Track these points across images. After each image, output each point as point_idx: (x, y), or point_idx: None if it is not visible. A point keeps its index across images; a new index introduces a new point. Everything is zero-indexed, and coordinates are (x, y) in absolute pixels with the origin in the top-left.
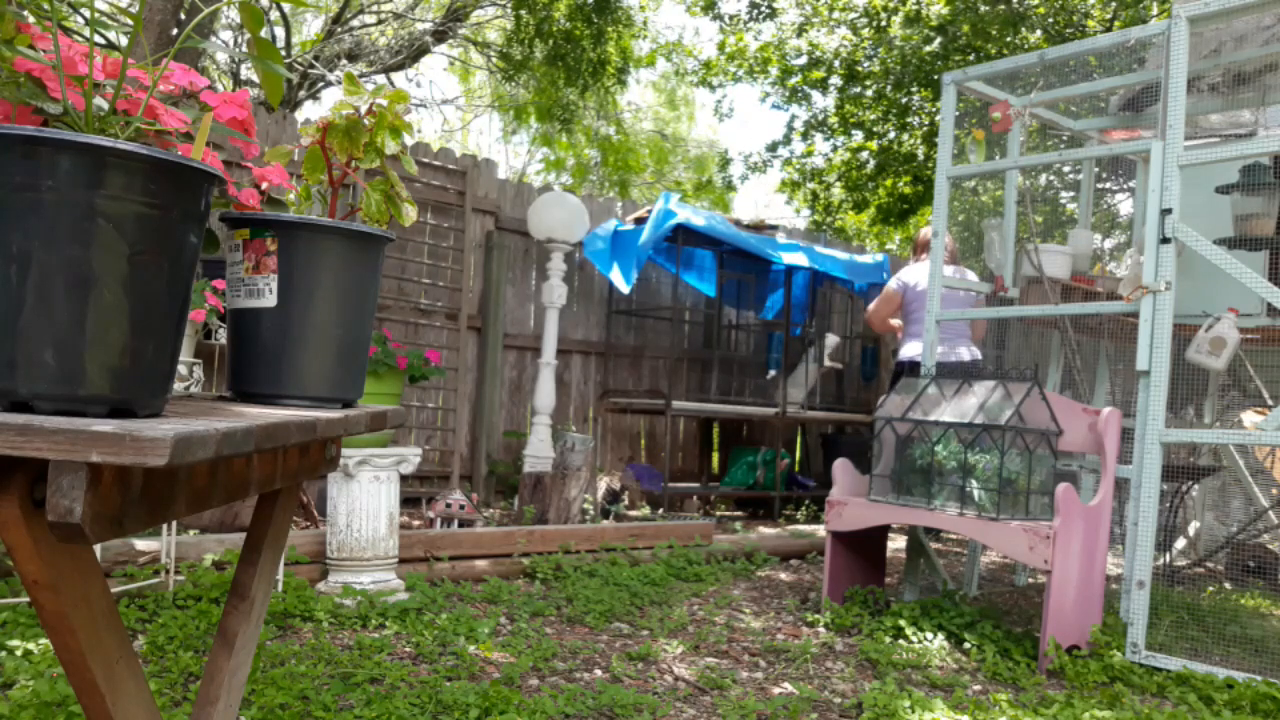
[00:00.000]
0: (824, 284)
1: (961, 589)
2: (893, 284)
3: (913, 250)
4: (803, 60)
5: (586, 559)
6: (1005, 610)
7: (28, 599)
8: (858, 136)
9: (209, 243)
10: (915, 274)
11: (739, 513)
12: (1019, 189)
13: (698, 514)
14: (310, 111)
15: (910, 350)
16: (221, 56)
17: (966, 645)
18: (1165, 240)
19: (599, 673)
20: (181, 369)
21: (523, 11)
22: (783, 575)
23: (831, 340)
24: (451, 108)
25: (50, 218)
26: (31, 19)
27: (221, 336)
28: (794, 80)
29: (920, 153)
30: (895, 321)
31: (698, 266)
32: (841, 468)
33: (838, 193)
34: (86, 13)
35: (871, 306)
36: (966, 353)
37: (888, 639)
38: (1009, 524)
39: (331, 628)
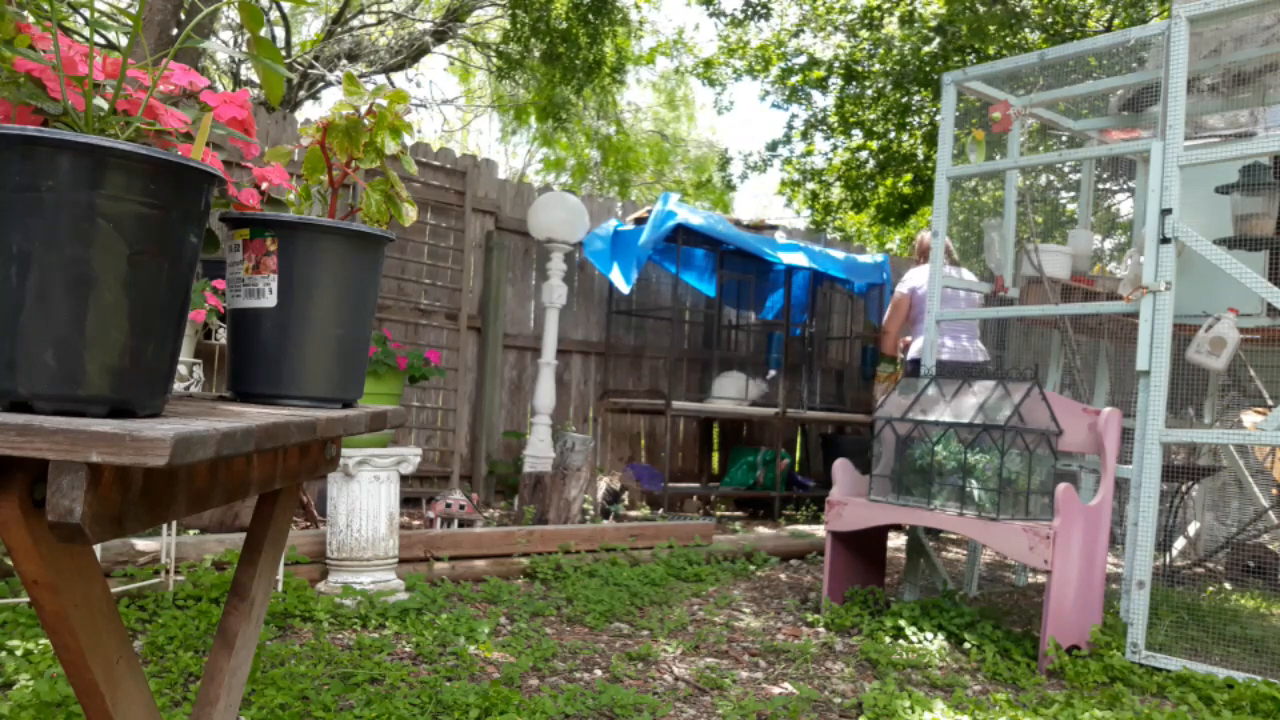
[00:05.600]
0: (824, 284)
1: (961, 589)
2: (902, 289)
3: (916, 254)
4: (802, 60)
5: (586, 559)
6: (1005, 610)
7: (28, 599)
8: (858, 136)
9: (209, 243)
10: (920, 277)
11: (739, 513)
12: (1019, 189)
13: (698, 514)
14: (310, 111)
15: (920, 348)
16: (221, 56)
17: (966, 645)
18: (1165, 240)
19: (599, 673)
20: (181, 369)
21: (519, 11)
22: (782, 575)
23: None
24: (451, 108)
25: (50, 218)
26: (31, 19)
27: (221, 336)
28: (794, 79)
29: (920, 153)
30: (908, 338)
31: (697, 267)
32: (841, 468)
33: (837, 192)
34: (86, 13)
35: (885, 319)
36: (970, 345)
37: (888, 639)
38: (1009, 524)
39: (331, 628)
